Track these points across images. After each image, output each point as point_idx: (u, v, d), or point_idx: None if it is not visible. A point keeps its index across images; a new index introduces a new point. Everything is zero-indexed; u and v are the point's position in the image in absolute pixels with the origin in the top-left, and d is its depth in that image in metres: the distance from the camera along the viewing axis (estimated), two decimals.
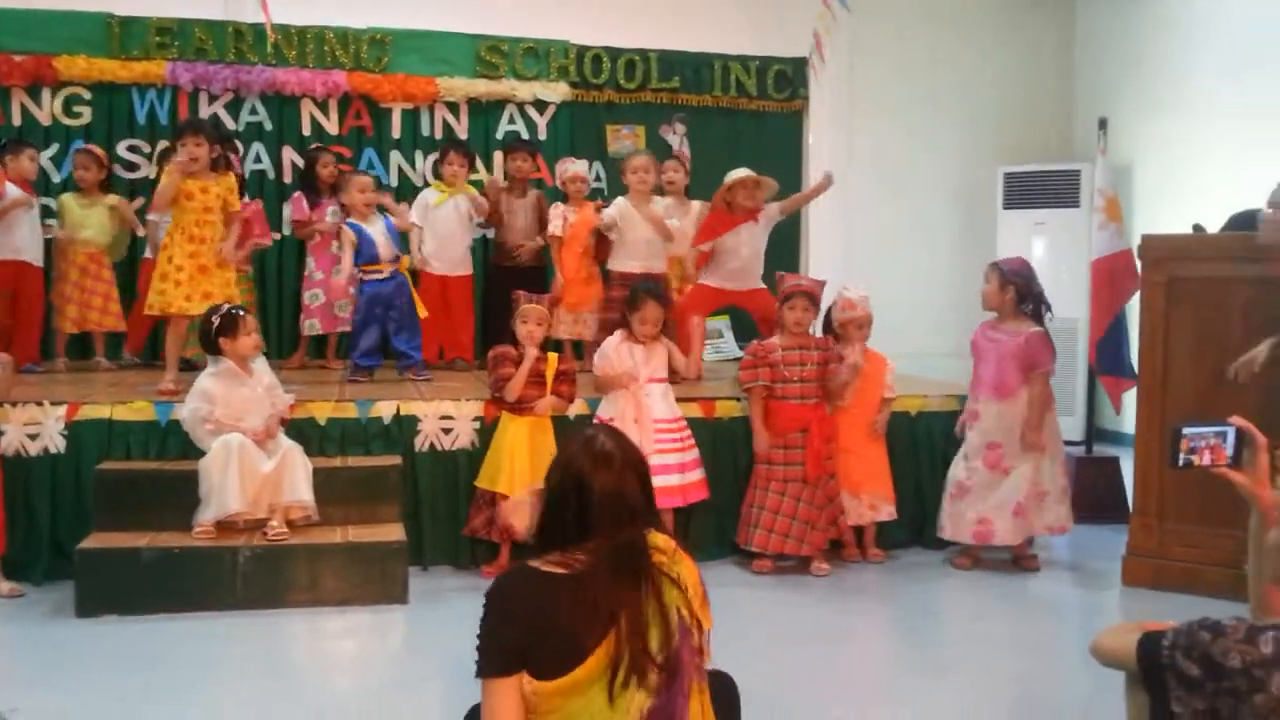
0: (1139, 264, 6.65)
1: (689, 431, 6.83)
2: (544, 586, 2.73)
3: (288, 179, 9.46)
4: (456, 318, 8.80)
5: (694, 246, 8.09)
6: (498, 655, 2.70)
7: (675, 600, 2.75)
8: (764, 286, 7.76)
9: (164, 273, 6.97)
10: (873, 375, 7.08)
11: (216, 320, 6.24)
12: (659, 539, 2.84)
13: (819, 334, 7.12)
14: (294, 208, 8.84)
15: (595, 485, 2.79)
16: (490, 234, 9.26)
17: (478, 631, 2.75)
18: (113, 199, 8.54)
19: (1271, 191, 6.15)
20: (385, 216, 8.00)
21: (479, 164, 9.88)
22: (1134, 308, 7.51)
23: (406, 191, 9.28)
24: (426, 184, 9.29)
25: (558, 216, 8.51)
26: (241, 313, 6.31)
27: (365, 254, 7.76)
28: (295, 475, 6.08)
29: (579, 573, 2.72)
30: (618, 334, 6.93)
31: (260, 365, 6.42)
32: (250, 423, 6.16)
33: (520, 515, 6.42)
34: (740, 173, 7.88)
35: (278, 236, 9.27)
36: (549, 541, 2.82)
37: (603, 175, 9.99)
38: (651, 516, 2.91)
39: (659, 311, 6.85)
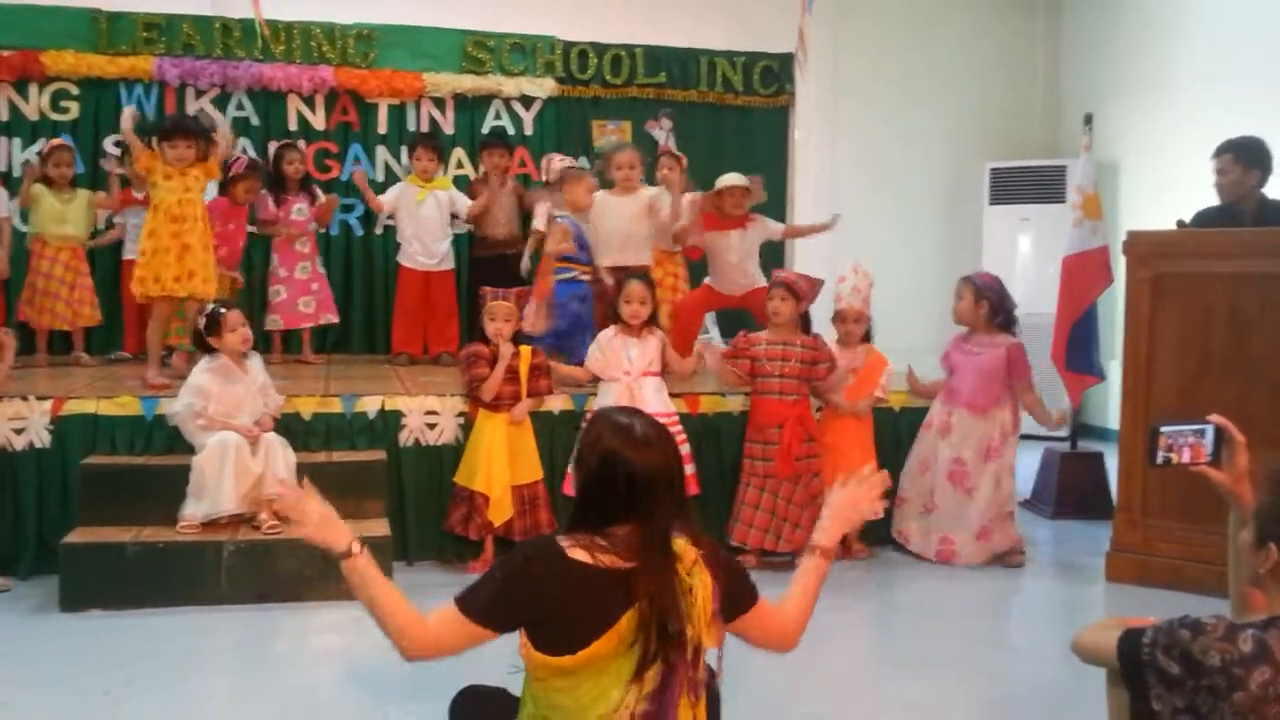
0: (1124, 260, 6.66)
1: (680, 426, 6.79)
2: (571, 572, 2.76)
3: None
4: (439, 313, 8.80)
5: (690, 238, 8.19)
6: (491, 612, 2.78)
7: (682, 611, 2.76)
8: (762, 285, 7.79)
9: (149, 258, 6.97)
10: (868, 374, 7.08)
11: (202, 321, 6.27)
12: (683, 548, 2.85)
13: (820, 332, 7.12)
14: (260, 206, 8.70)
15: (638, 467, 2.82)
16: (471, 227, 9.23)
17: (485, 574, 2.86)
18: (86, 193, 8.51)
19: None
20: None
21: (465, 160, 9.91)
22: (1110, 304, 7.56)
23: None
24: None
25: (544, 213, 8.49)
26: (223, 311, 6.30)
27: (583, 255, 7.69)
28: (276, 467, 6.07)
29: (603, 567, 2.76)
30: (611, 328, 6.89)
31: (255, 363, 6.40)
32: (241, 419, 6.16)
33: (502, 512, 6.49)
34: (729, 179, 7.95)
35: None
36: (584, 521, 2.87)
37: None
38: (684, 494, 2.96)
39: (642, 289, 6.79)
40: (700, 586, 2.81)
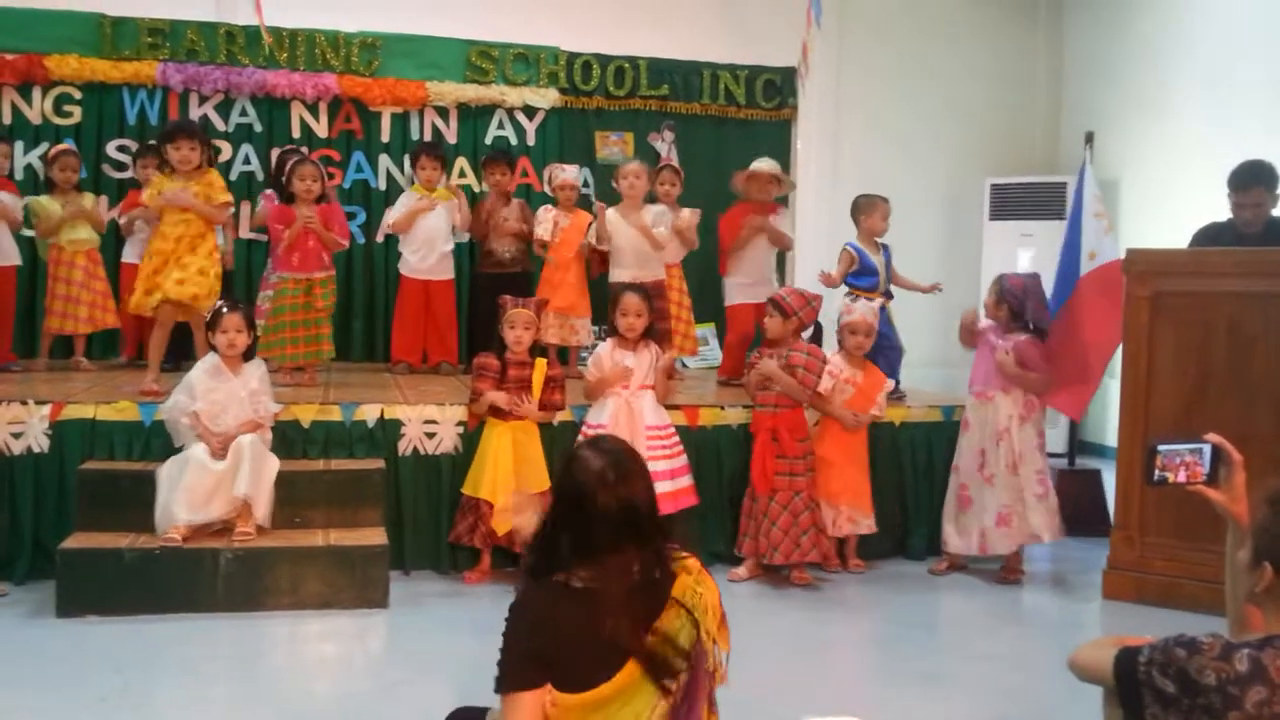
0: (1123, 278, 6.69)
1: (678, 438, 6.83)
2: (577, 601, 2.74)
3: None
4: (439, 322, 8.80)
5: (726, 248, 8.32)
6: (524, 668, 2.70)
7: (697, 619, 2.77)
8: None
9: (146, 274, 7.04)
10: (867, 391, 7.09)
11: (209, 313, 6.35)
12: (688, 561, 2.86)
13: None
14: (266, 209, 8.56)
15: (602, 502, 2.78)
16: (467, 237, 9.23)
17: (501, 646, 2.75)
18: (89, 198, 8.52)
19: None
20: (886, 248, 8.03)
21: (468, 169, 9.91)
22: None
23: (395, 196, 9.23)
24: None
25: (547, 221, 8.47)
26: (225, 311, 6.30)
27: (866, 281, 7.80)
28: (240, 470, 6.02)
29: (609, 589, 2.74)
30: (608, 341, 6.90)
31: (252, 368, 6.38)
32: (226, 421, 6.16)
33: (514, 518, 6.44)
34: (760, 164, 8.20)
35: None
36: (555, 559, 2.81)
37: (591, 181, 10.01)
38: (658, 521, 2.90)
39: (637, 303, 6.79)
40: (708, 592, 2.83)
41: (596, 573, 2.77)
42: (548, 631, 2.72)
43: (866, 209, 8.01)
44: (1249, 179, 6.78)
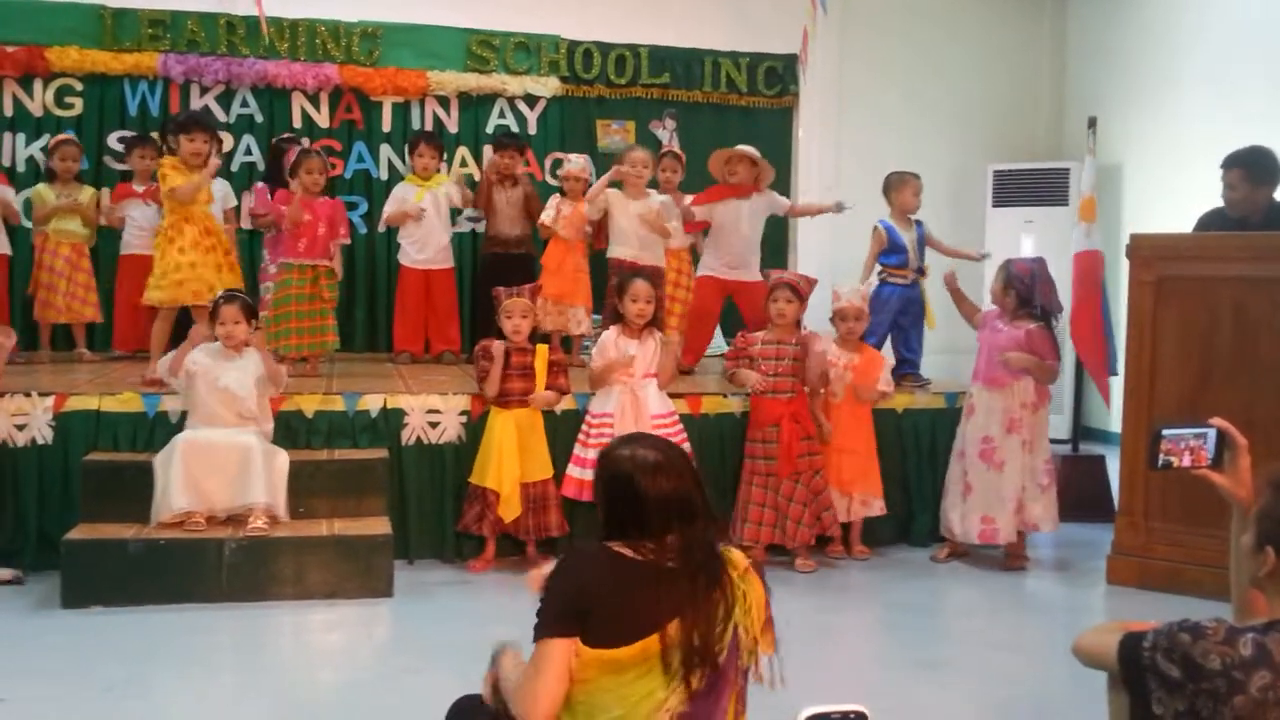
0: (1126, 263, 6.67)
1: (681, 425, 6.82)
2: (620, 564, 2.77)
3: None
4: (440, 312, 8.80)
5: (692, 204, 8.21)
6: (561, 616, 2.73)
7: (737, 617, 2.78)
8: (760, 279, 7.75)
9: (177, 264, 6.89)
10: (867, 373, 7.09)
11: (211, 306, 6.37)
12: (734, 555, 2.88)
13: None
14: (257, 199, 8.60)
15: (650, 493, 2.81)
16: (479, 226, 9.24)
17: (541, 601, 2.78)
18: (89, 191, 8.50)
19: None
20: (919, 224, 8.11)
21: (469, 158, 9.90)
22: (1112, 308, 7.62)
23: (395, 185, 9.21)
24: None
25: (552, 208, 8.47)
26: (221, 303, 6.31)
27: (895, 259, 7.93)
28: (249, 477, 6.04)
29: (656, 563, 2.76)
30: (612, 329, 6.91)
31: (250, 352, 6.35)
32: (230, 399, 6.17)
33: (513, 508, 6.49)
34: (739, 148, 8.13)
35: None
36: (620, 536, 2.85)
37: (594, 171, 9.99)
38: (710, 512, 2.91)
39: (648, 288, 6.81)
40: (753, 593, 2.84)
41: (640, 548, 2.79)
42: (588, 581, 2.76)
43: (898, 185, 8.11)
44: (1229, 160, 6.77)
